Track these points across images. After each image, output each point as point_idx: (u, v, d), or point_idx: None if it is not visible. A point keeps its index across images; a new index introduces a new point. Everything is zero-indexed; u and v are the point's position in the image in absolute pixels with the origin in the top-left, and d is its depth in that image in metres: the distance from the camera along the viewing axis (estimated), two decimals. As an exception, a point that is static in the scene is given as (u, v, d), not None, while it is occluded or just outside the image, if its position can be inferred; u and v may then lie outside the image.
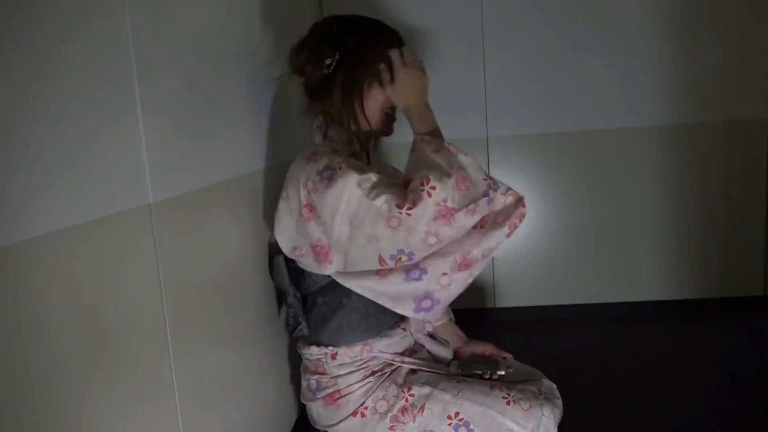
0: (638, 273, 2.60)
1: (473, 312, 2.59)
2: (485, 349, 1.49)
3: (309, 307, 1.42)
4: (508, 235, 1.22)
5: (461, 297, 1.25)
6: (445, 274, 1.19)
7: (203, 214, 1.17)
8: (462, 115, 2.52)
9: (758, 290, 2.57)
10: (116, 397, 0.86)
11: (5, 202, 0.67)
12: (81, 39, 0.82)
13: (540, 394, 1.29)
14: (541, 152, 2.54)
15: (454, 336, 1.55)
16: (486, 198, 1.17)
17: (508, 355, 1.48)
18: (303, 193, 1.25)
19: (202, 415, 1.12)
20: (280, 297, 1.56)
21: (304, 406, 1.46)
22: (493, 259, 2.58)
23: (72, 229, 0.77)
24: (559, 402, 1.33)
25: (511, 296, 2.64)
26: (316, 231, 1.26)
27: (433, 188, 1.13)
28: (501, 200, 1.20)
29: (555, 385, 1.37)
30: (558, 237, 2.59)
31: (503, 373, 1.35)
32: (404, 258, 1.19)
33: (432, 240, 1.16)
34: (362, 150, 1.43)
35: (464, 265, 1.19)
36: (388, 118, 1.40)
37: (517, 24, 2.46)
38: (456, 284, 1.21)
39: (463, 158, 1.18)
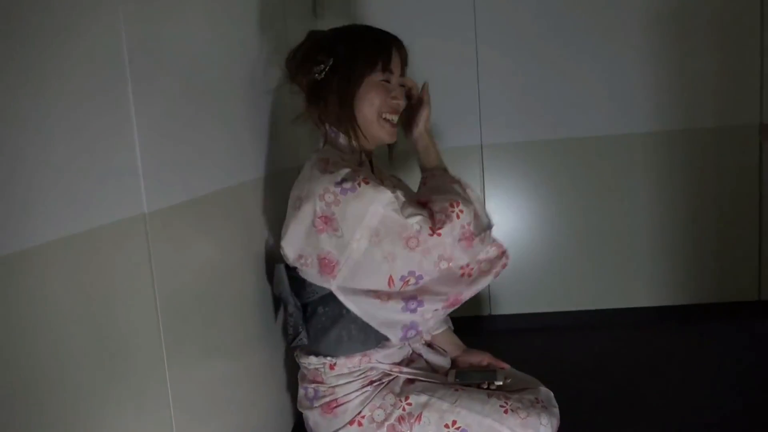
0: (633, 279, 2.60)
1: (469, 319, 2.59)
2: (483, 358, 1.49)
3: (309, 316, 1.41)
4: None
5: (457, 304, 1.28)
6: (436, 310, 1.27)
7: (198, 223, 1.16)
8: (456, 122, 2.52)
9: (752, 295, 2.58)
10: (111, 407, 0.85)
11: None
12: (74, 47, 0.82)
13: (538, 403, 1.29)
14: (535, 159, 2.55)
15: (452, 345, 1.54)
16: (489, 230, 1.30)
17: (506, 365, 1.47)
18: (320, 204, 1.25)
19: (198, 425, 1.12)
20: (278, 305, 1.55)
21: (301, 414, 1.45)
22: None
23: (66, 239, 0.77)
24: (556, 410, 1.33)
25: (506, 303, 2.64)
26: (327, 243, 1.26)
27: (461, 211, 1.24)
28: (487, 248, 1.29)
29: (552, 394, 1.36)
30: (553, 244, 2.59)
31: (501, 383, 1.35)
32: (412, 280, 1.24)
33: (443, 265, 1.24)
34: (366, 158, 1.43)
35: (452, 305, 1.28)
36: (388, 123, 1.39)
37: (511, 31, 2.47)
38: (434, 319, 1.30)
39: (471, 193, 1.31)
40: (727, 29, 2.43)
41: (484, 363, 1.48)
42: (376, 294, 1.25)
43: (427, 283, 1.25)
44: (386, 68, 1.35)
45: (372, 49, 1.35)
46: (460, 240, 1.23)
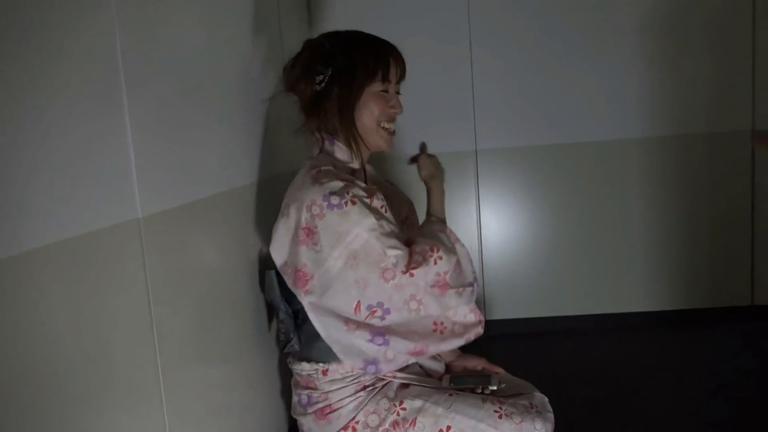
0: (627, 284, 2.61)
1: (464, 324, 2.59)
2: (477, 363, 1.49)
3: (300, 322, 1.41)
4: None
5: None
6: (399, 353, 1.27)
7: (192, 228, 1.16)
8: (451, 127, 2.53)
9: (746, 300, 2.59)
10: (104, 412, 0.85)
11: (-8, 217, 0.66)
12: (69, 53, 0.82)
13: (532, 408, 1.29)
14: (530, 164, 2.55)
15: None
16: (471, 288, 1.30)
17: (500, 370, 1.47)
18: (305, 216, 1.25)
19: (192, 430, 1.11)
20: (271, 311, 1.55)
21: (295, 420, 1.44)
22: (482, 271, 2.59)
23: (60, 244, 0.77)
24: (551, 415, 1.33)
25: (500, 309, 2.64)
26: (304, 256, 1.27)
27: (440, 258, 1.25)
28: (466, 311, 1.31)
29: (546, 399, 1.36)
30: (547, 249, 2.60)
31: (495, 388, 1.35)
32: (378, 312, 1.24)
33: (413, 305, 1.24)
34: (361, 167, 1.43)
35: (417, 354, 1.28)
36: (386, 132, 1.39)
37: (506, 37, 2.48)
38: (397, 362, 1.28)
39: (459, 247, 1.33)
40: (718, 36, 2.45)
41: (479, 368, 1.48)
42: (345, 320, 1.26)
43: (398, 325, 1.26)
44: (385, 78, 1.36)
45: (371, 60, 1.35)
46: (432, 286, 1.24)
